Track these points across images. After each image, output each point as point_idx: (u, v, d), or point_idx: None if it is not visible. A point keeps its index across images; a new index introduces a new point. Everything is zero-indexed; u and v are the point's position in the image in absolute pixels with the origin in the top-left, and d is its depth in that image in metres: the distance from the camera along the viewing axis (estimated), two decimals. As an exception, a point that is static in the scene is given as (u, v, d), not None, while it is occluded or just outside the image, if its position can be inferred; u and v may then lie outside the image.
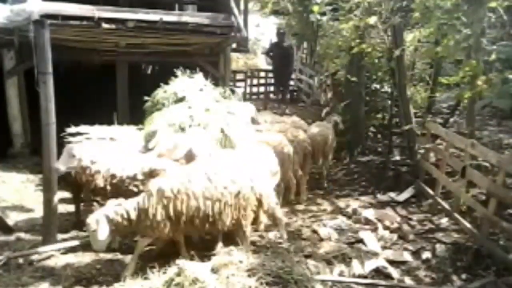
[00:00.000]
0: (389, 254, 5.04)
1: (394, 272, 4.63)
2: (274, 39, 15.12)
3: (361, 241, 5.37)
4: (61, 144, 5.36)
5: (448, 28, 5.87)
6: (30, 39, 6.07)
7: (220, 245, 4.82)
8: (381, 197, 7.04)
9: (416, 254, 5.09)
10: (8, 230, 5.38)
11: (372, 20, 6.83)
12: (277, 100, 14.70)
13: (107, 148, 5.46)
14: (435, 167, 6.72)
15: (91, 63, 9.53)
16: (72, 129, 6.58)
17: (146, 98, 7.02)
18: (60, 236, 5.19)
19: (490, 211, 5.04)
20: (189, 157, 5.26)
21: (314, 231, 5.66)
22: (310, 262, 4.75)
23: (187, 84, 7.22)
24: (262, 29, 21.63)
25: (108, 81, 9.60)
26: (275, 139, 6.39)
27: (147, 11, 8.60)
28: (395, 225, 5.89)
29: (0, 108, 8.32)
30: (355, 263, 4.76)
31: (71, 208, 6.19)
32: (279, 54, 13.64)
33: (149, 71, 13.84)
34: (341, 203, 6.79)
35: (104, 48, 9.01)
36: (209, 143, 5.88)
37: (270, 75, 16.53)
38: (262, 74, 16.41)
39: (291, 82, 16.07)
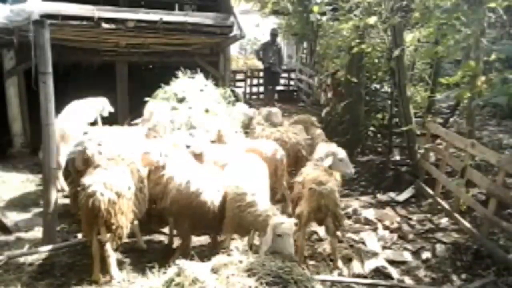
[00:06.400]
0: (389, 254, 5.04)
1: (394, 272, 4.63)
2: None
3: (361, 241, 5.37)
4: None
5: (448, 28, 5.86)
6: (30, 39, 6.08)
7: None
8: (381, 197, 7.03)
9: (416, 254, 5.09)
10: (6, 230, 5.38)
11: (372, 20, 6.82)
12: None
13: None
14: (435, 167, 6.72)
15: (91, 63, 9.53)
16: (72, 129, 6.57)
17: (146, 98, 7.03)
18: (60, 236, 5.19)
19: (490, 211, 5.04)
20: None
21: (314, 231, 5.65)
22: (310, 262, 4.75)
23: (188, 85, 7.23)
24: (262, 29, 21.61)
25: (108, 81, 9.60)
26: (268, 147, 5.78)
27: (147, 11, 8.62)
28: (395, 225, 5.89)
29: (0, 108, 8.32)
30: (355, 263, 4.76)
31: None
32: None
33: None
34: (341, 203, 6.78)
35: (104, 48, 9.01)
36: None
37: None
38: (262, 74, 16.38)
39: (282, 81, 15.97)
